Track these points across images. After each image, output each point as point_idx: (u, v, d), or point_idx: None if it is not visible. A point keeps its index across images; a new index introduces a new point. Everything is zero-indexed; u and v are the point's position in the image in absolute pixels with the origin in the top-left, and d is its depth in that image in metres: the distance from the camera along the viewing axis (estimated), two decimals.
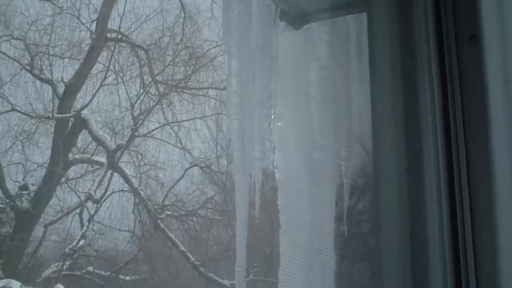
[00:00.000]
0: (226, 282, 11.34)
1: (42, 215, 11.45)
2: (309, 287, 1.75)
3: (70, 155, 11.74)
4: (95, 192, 11.45)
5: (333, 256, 1.71)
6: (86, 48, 12.10)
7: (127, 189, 11.99)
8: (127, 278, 12.05)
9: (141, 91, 12.45)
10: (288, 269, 1.73)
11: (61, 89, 11.88)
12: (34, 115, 11.98)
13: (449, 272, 1.35)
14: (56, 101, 11.90)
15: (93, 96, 12.07)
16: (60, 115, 11.68)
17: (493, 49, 1.34)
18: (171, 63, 12.63)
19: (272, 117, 1.82)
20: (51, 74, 12.02)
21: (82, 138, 12.23)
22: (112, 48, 12.46)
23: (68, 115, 11.80)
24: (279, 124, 1.83)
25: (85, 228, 11.29)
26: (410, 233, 1.42)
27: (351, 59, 1.85)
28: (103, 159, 11.76)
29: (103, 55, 12.35)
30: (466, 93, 1.43)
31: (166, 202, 12.33)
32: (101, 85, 12.24)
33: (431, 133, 1.44)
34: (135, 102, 12.38)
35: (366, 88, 1.75)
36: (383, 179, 1.53)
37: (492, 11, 1.35)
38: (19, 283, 8.19)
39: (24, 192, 10.48)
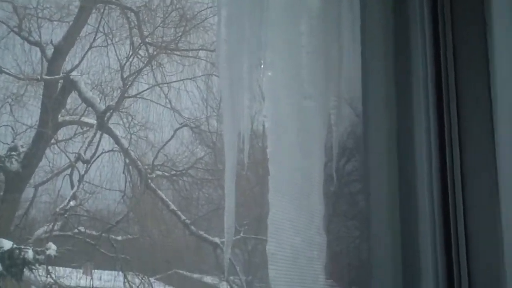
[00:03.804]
0: (216, 239, 11.52)
1: (32, 176, 11.48)
2: (297, 232, 1.77)
3: (59, 116, 11.72)
4: (85, 153, 11.48)
5: (322, 200, 1.72)
6: (75, 10, 11.98)
7: (117, 149, 12.03)
8: (119, 237, 12.17)
9: (131, 53, 12.39)
10: (276, 216, 1.74)
11: (50, 51, 11.80)
12: (22, 77, 11.89)
13: (439, 235, 1.37)
14: (45, 63, 11.82)
15: (82, 58, 12.01)
16: (49, 77, 11.61)
17: None
18: (161, 24, 12.53)
19: (262, 66, 1.82)
20: (40, 36, 11.94)
21: (71, 100, 12.22)
22: (102, 10, 12.32)
23: (57, 77, 11.73)
24: (269, 73, 1.83)
25: (75, 188, 11.35)
26: (400, 195, 1.44)
27: (342, 12, 1.84)
28: (93, 121, 11.76)
29: (92, 17, 12.23)
30: (459, 52, 1.43)
31: (156, 162, 12.42)
32: (90, 47, 12.15)
33: (423, 95, 1.45)
34: (125, 64, 12.32)
35: (357, 43, 1.75)
36: (373, 140, 1.55)
37: None
38: (11, 242, 8.25)
39: (13, 153, 10.45)
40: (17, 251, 8.12)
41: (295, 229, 1.76)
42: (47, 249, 8.62)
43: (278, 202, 1.73)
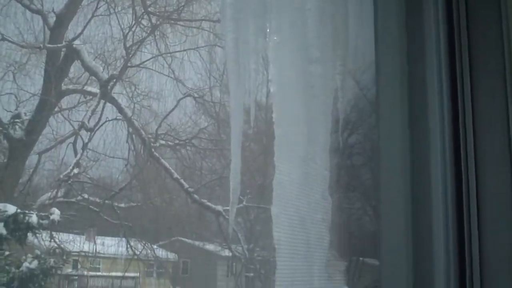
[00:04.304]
0: (219, 207, 11.61)
1: (36, 143, 11.53)
2: (301, 195, 1.79)
3: (62, 85, 11.70)
4: (88, 122, 11.49)
5: (328, 164, 1.73)
6: None
7: (121, 118, 12.04)
8: (122, 205, 12.28)
9: (133, 22, 12.27)
10: (281, 179, 1.75)
11: (52, 20, 11.68)
12: (25, 44, 11.83)
13: (451, 210, 1.36)
14: (47, 32, 11.72)
15: (85, 27, 11.90)
16: (51, 45, 11.54)
17: None
18: None
19: (268, 30, 1.81)
20: (42, 4, 11.79)
21: (74, 69, 12.18)
22: None
23: (60, 45, 11.66)
24: (275, 38, 1.83)
25: (79, 156, 11.39)
26: (411, 167, 1.42)
27: None
28: (96, 90, 11.73)
29: None
30: (473, 16, 1.41)
31: (160, 132, 12.44)
32: (92, 16, 12.04)
33: (436, 61, 1.42)
34: (127, 33, 12.23)
35: (364, 8, 1.74)
36: (384, 114, 1.53)
37: None
38: (15, 207, 8.31)
39: (17, 120, 10.46)
40: (21, 215, 8.18)
41: (300, 192, 1.77)
42: (50, 214, 8.69)
43: (283, 165, 1.73)
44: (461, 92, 1.39)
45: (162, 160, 12.02)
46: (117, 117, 12.06)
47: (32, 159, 11.71)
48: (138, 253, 12.70)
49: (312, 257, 1.74)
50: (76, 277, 12.58)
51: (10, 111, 11.32)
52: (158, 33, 12.38)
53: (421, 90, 1.45)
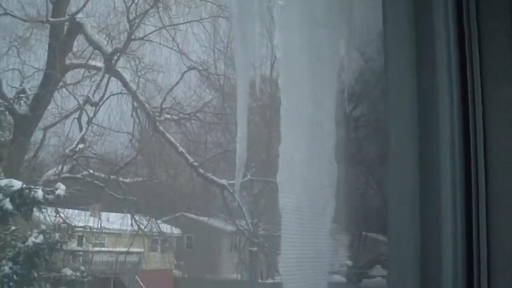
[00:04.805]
0: (224, 181, 11.62)
1: (41, 119, 11.52)
2: (307, 161, 1.77)
3: (66, 59, 11.65)
4: (93, 96, 11.46)
5: (334, 130, 1.71)
6: None
7: (125, 92, 12.01)
8: (127, 180, 12.31)
9: None
10: (288, 146, 1.73)
11: None
12: (27, 19, 11.75)
13: (459, 180, 1.33)
14: (50, 6, 11.63)
15: (87, 0, 11.81)
16: (54, 19, 11.46)
17: None
18: None
19: None
20: None
21: (78, 43, 12.11)
22: None
23: (63, 19, 11.58)
24: (280, 2, 1.80)
25: (84, 131, 11.39)
26: (420, 137, 1.40)
27: None
28: (100, 64, 11.68)
29: None
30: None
31: (164, 106, 12.41)
32: None
33: (444, 29, 1.39)
34: (130, 5, 12.14)
35: None
36: (393, 84, 1.49)
37: None
38: (21, 182, 8.34)
39: (22, 95, 10.43)
40: (27, 190, 8.21)
41: (306, 158, 1.76)
42: (56, 189, 8.72)
43: (289, 131, 1.72)
44: (469, 61, 1.36)
45: (167, 134, 12.01)
46: (122, 91, 12.05)
47: (37, 135, 11.74)
48: (143, 227, 12.77)
49: (318, 224, 1.73)
50: (81, 253, 12.69)
51: (15, 87, 11.30)
52: (161, 5, 12.29)
53: (429, 59, 1.42)
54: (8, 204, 8.15)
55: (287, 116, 1.72)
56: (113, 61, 11.53)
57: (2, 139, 9.61)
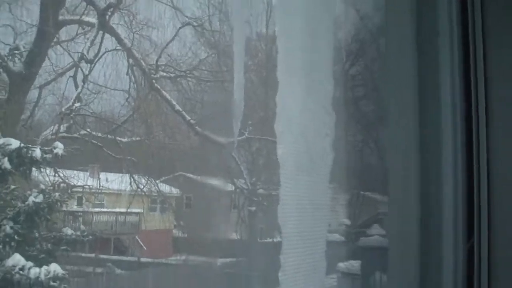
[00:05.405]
0: (221, 139, 11.60)
1: (36, 77, 11.39)
2: (305, 110, 1.73)
3: (59, 16, 11.45)
4: (88, 53, 11.32)
5: (331, 79, 1.67)
6: None
7: (120, 48, 11.87)
8: (124, 139, 12.30)
9: None
10: (285, 94, 1.69)
11: None
12: None
13: (460, 135, 1.32)
14: None
15: None
16: None
17: None
18: None
19: None
20: None
21: None
22: None
23: None
24: None
25: (79, 89, 11.30)
26: (420, 94, 1.37)
27: None
28: (94, 20, 11.50)
29: None
30: None
31: (160, 63, 12.29)
32: None
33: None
34: None
35: None
36: (392, 38, 1.46)
37: None
38: (18, 141, 8.29)
39: (16, 52, 10.27)
40: (25, 149, 8.16)
41: (304, 107, 1.72)
42: (54, 148, 8.67)
43: (286, 79, 1.68)
44: (471, 16, 1.32)
45: (163, 92, 11.93)
46: (117, 48, 11.90)
47: (33, 93, 11.65)
48: (142, 187, 12.81)
49: (316, 173, 1.71)
50: (81, 213, 12.76)
51: (8, 44, 11.13)
52: None
53: (430, 14, 1.39)
54: (6, 163, 8.12)
55: (283, 62, 1.69)
56: (106, 17, 11.33)
57: None
